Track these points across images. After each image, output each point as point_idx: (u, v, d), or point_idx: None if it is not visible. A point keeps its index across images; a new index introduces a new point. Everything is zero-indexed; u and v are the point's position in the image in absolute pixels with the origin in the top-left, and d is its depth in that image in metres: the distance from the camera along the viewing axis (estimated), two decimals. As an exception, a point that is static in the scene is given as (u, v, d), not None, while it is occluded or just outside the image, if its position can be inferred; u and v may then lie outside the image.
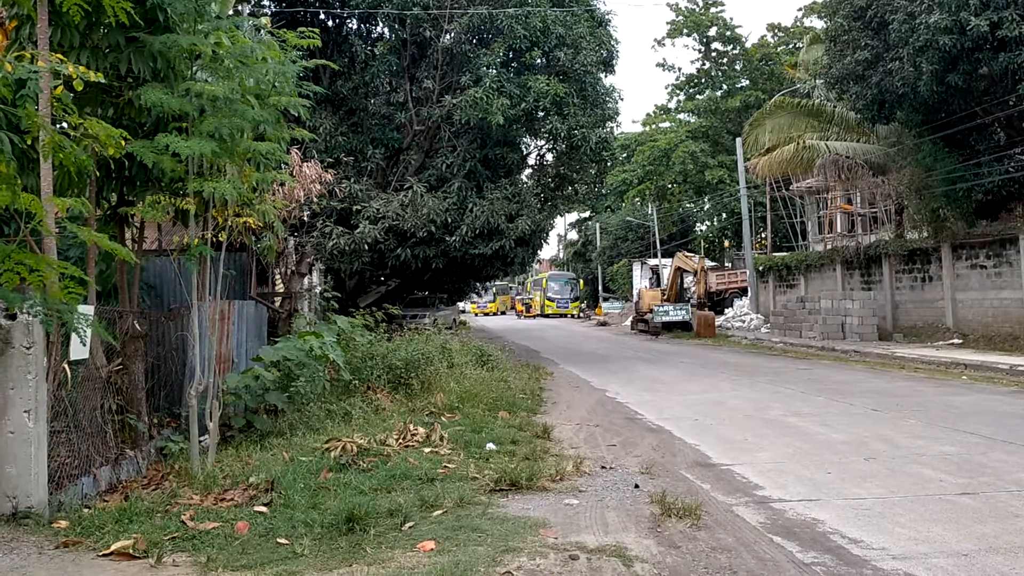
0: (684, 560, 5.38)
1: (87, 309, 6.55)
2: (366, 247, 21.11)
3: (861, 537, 5.85)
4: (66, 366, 6.56)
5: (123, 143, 6.23)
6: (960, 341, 22.24)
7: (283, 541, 5.67)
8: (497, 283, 77.18)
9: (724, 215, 56.21)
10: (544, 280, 70.18)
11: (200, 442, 7.98)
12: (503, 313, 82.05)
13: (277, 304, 15.39)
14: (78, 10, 6.27)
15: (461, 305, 51.14)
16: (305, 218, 16.42)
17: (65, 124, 6.36)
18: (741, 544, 5.73)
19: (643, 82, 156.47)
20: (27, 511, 5.93)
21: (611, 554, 5.43)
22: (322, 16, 23.13)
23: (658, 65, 66.07)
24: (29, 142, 5.95)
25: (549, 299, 66.86)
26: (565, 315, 64.25)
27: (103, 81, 6.03)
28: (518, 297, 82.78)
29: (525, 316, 69.32)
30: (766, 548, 5.66)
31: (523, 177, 26.38)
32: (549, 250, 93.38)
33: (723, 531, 6.04)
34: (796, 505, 6.79)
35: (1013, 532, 5.89)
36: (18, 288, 6.12)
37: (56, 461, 6.42)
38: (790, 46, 52.47)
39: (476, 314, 74.80)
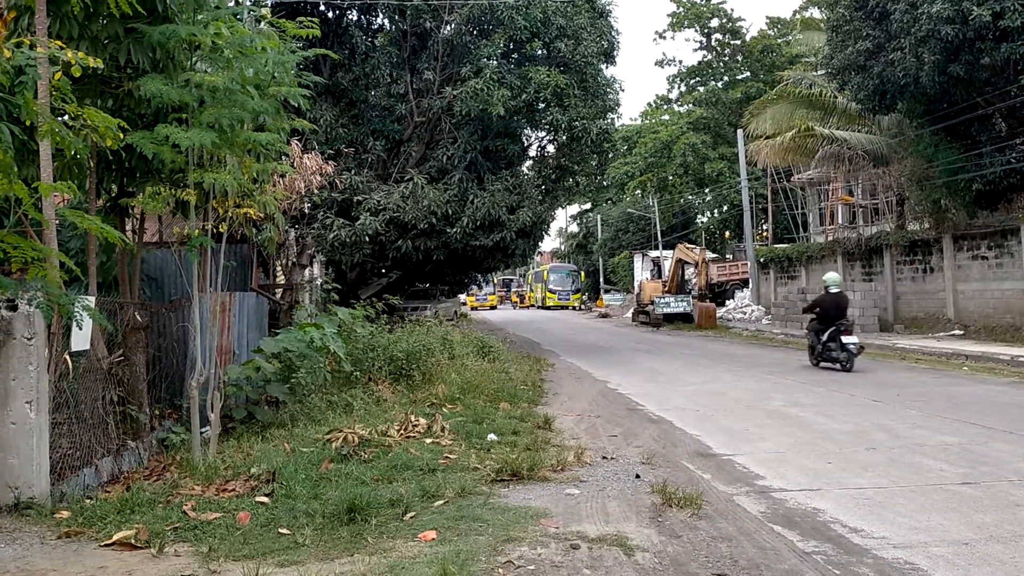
0: (685, 549, 5.39)
1: (88, 299, 6.56)
2: (367, 239, 21.09)
3: (862, 526, 5.86)
4: (67, 357, 6.58)
5: (121, 134, 6.22)
6: (961, 332, 22.23)
7: (285, 531, 5.68)
8: (501, 275, 72.87)
9: (725, 207, 56.14)
10: (545, 272, 70.15)
11: (201, 433, 8.00)
12: (494, 308, 74.30)
13: (278, 296, 15.40)
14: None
15: (462, 297, 50.73)
16: (306, 210, 16.45)
17: (66, 116, 6.35)
18: (742, 533, 5.74)
19: (644, 73, 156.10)
20: (29, 501, 5.95)
21: (612, 543, 5.44)
22: (322, 7, 23.06)
23: (657, 63, 65.94)
24: (29, 124, 5.93)
25: (550, 291, 66.83)
26: (566, 307, 64.21)
27: (102, 67, 6.01)
28: (514, 289, 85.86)
29: (520, 307, 76.49)
30: (767, 537, 5.67)
31: (524, 169, 26.33)
32: (550, 242, 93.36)
33: (724, 520, 6.05)
34: (797, 495, 6.80)
35: (1013, 521, 5.89)
36: (16, 276, 6.14)
37: (58, 452, 6.44)
38: (788, 39, 52.30)
39: (474, 307, 66.30)
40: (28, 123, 5.87)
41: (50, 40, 6.09)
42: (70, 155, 6.34)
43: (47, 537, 5.57)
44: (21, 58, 5.44)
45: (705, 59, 59.16)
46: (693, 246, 42.61)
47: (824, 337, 16.66)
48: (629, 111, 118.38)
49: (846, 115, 28.46)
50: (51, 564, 5.11)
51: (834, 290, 17.03)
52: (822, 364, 16.84)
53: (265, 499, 6.42)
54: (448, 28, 23.22)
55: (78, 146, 5.99)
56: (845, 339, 16.10)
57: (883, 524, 5.90)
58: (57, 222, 6.77)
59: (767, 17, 68.57)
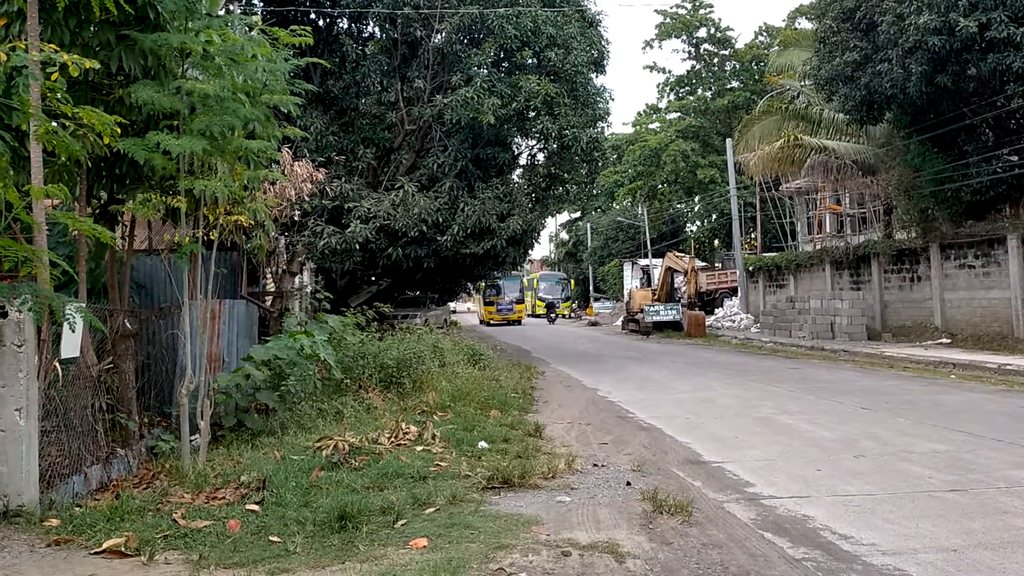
0: (676, 556, 5.40)
1: (78, 304, 6.54)
2: (357, 247, 21.07)
3: (851, 533, 5.89)
4: (57, 364, 6.54)
5: (118, 129, 6.23)
6: (948, 340, 22.35)
7: (275, 539, 5.67)
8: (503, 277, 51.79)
9: (714, 215, 56.37)
10: (535, 280, 70.09)
11: (191, 441, 7.97)
12: (519, 323, 54.24)
13: (268, 303, 15.35)
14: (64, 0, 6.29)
15: (452, 305, 49.76)
16: (296, 217, 16.41)
17: (56, 123, 6.34)
18: (732, 540, 5.76)
19: (634, 83, 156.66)
20: (18, 509, 5.92)
21: (603, 550, 5.45)
22: (312, 15, 23.07)
23: (646, 67, 66.13)
24: (22, 129, 5.92)
25: (540, 299, 66.77)
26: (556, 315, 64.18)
27: (98, 68, 6.02)
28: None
29: None
30: (757, 544, 5.69)
31: (514, 177, 26.39)
32: (540, 250, 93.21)
33: (714, 527, 6.07)
34: (786, 502, 6.83)
35: (1001, 528, 5.94)
36: (7, 282, 6.12)
37: (47, 460, 6.40)
38: (775, 49, 52.55)
39: (490, 321, 51.28)
40: (22, 127, 5.87)
41: (44, 43, 6.10)
42: (62, 160, 6.33)
43: (36, 545, 5.54)
44: (18, 59, 5.45)
45: (694, 68, 59.45)
46: (683, 255, 42.80)
47: (549, 313, 56.02)
48: (619, 120, 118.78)
49: (833, 127, 28.63)
50: (41, 572, 5.09)
51: (550, 299, 60.15)
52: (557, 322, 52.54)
53: (255, 507, 6.40)
54: (439, 37, 23.28)
55: (74, 148, 5.99)
56: (551, 315, 55.87)
57: (872, 531, 5.93)
58: (48, 229, 6.75)
59: (762, 24, 68.57)
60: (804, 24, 46.23)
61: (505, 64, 23.64)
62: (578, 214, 75.43)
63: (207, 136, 7.21)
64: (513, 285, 54.32)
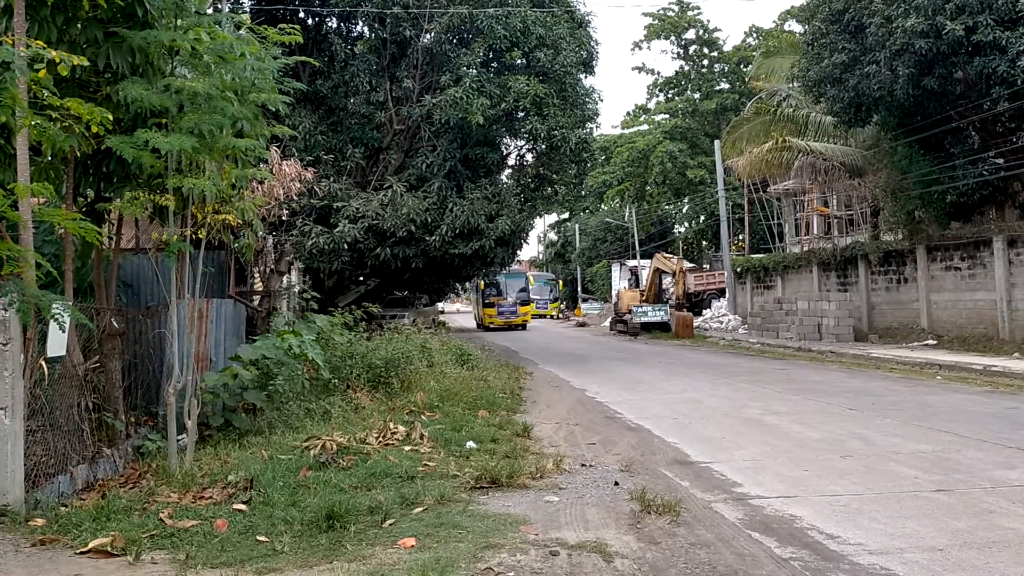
0: (664, 556, 5.41)
1: (65, 302, 6.51)
2: (345, 246, 21.01)
3: (838, 533, 5.91)
4: (43, 363, 6.50)
5: (109, 116, 6.20)
6: (935, 342, 22.48)
7: (263, 539, 5.65)
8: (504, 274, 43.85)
9: (702, 217, 56.53)
10: (523, 281, 70.06)
11: (178, 441, 7.93)
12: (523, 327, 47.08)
13: (256, 303, 15.30)
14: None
15: (441, 305, 49.54)
16: (284, 216, 16.37)
17: (44, 115, 6.30)
18: (720, 540, 5.78)
19: (624, 83, 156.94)
20: (3, 509, 5.88)
21: (591, 550, 5.45)
22: (301, 14, 22.98)
23: (635, 68, 66.26)
24: (8, 122, 5.89)
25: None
26: (544, 316, 64.30)
27: (86, 64, 6.00)
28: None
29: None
30: (744, 544, 5.71)
31: (503, 177, 26.36)
32: (529, 251, 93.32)
33: (702, 527, 6.09)
34: (774, 502, 6.85)
35: (987, 527, 5.97)
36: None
37: (32, 459, 6.37)
38: (762, 53, 52.69)
39: (489, 325, 45.18)
40: (8, 123, 5.83)
41: (31, 39, 6.06)
42: (47, 156, 6.30)
43: (21, 545, 5.51)
44: (6, 54, 5.42)
45: (682, 69, 59.62)
46: (671, 256, 42.90)
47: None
48: (608, 121, 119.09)
49: (820, 130, 28.75)
50: (26, 572, 5.05)
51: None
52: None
53: (243, 507, 6.38)
54: (428, 36, 23.24)
55: (61, 140, 5.95)
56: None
57: (859, 530, 5.96)
58: (33, 227, 6.71)
59: (751, 25, 68.89)
60: (794, 26, 46.39)
61: (494, 64, 23.62)
62: (567, 215, 75.56)
63: (196, 134, 7.18)
64: (517, 283, 48.58)
